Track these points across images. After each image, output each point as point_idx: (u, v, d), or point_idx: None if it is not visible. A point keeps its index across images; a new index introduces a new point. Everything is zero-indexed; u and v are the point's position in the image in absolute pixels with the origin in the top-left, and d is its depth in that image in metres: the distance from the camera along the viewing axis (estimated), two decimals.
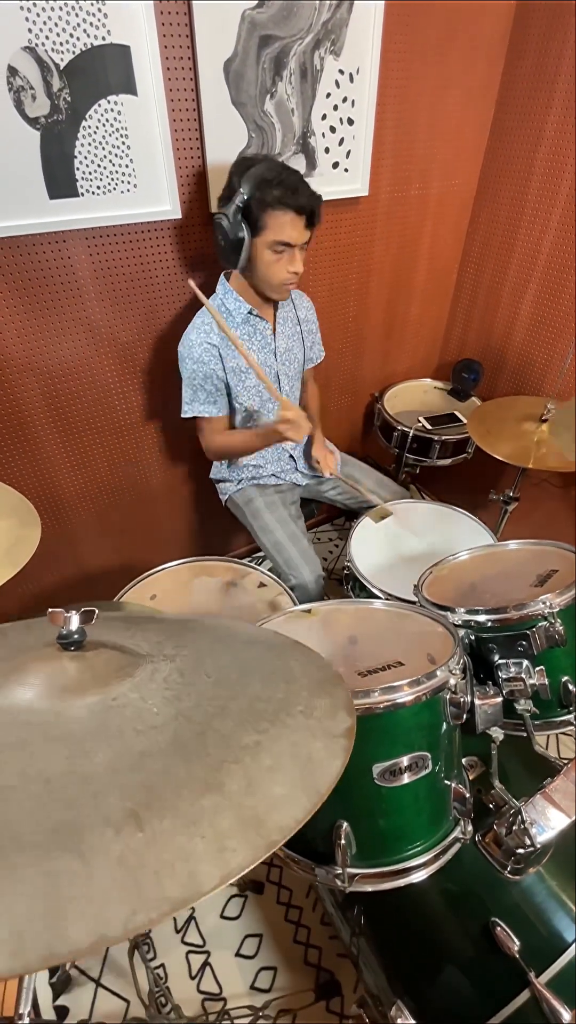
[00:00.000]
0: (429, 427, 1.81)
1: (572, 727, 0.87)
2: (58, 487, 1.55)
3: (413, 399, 2.03)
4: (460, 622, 0.88)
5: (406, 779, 0.66)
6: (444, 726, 0.71)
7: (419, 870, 0.69)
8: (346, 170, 1.45)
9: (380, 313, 1.84)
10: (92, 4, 0.99)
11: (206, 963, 1.25)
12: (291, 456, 1.57)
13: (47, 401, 1.39)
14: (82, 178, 1.14)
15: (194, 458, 1.72)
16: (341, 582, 1.46)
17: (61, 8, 0.97)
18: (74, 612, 0.50)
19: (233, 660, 0.57)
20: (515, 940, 0.77)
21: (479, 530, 1.40)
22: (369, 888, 0.67)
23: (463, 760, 0.96)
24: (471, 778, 0.96)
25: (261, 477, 1.55)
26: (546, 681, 0.81)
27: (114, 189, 1.18)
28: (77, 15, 0.99)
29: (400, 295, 1.84)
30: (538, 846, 0.70)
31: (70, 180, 1.13)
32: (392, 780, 0.66)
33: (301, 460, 1.59)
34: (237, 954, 1.26)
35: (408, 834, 0.69)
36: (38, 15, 0.96)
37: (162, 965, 1.24)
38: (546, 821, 0.72)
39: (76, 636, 0.50)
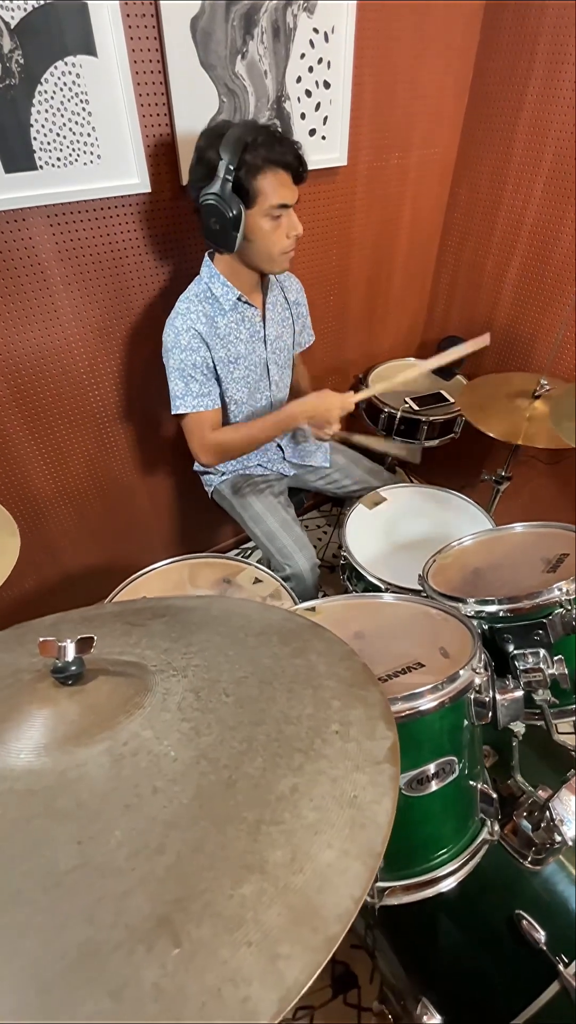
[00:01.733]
0: (416, 408, 1.76)
1: None
2: (33, 487, 1.47)
3: (396, 379, 1.98)
4: (472, 613, 0.85)
5: (434, 786, 0.63)
6: (470, 727, 0.67)
7: (448, 878, 0.66)
8: (323, 138, 1.36)
9: (362, 290, 1.78)
10: None
11: None
12: (279, 446, 1.51)
13: (14, 395, 1.30)
14: (40, 149, 1.04)
15: (175, 450, 1.64)
16: (332, 569, 1.42)
17: None
18: (69, 642, 0.44)
19: (252, 665, 0.52)
20: (540, 931, 0.76)
21: (474, 512, 1.37)
22: (398, 901, 0.64)
23: None
24: (489, 765, 0.94)
25: (247, 468, 1.49)
26: (565, 670, 0.79)
27: (76, 161, 1.08)
28: None
29: (382, 270, 1.78)
30: (570, 843, 0.68)
31: (27, 151, 1.03)
32: (419, 789, 0.63)
33: (288, 450, 1.54)
34: None
35: (436, 841, 0.67)
36: None
37: None
38: (572, 815, 0.70)
39: (74, 668, 0.44)
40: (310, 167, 1.36)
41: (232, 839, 0.32)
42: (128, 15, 1.01)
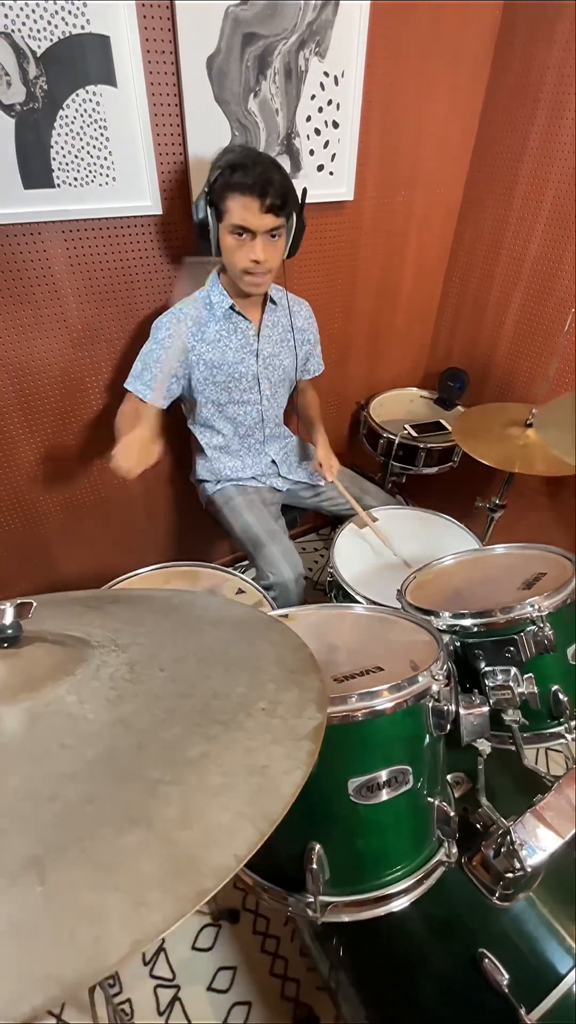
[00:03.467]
0: (415, 434, 1.78)
1: (563, 740, 0.82)
2: (31, 488, 1.49)
3: (399, 408, 2.01)
4: (444, 627, 0.83)
5: (384, 796, 0.61)
6: (427, 738, 0.65)
7: (400, 897, 0.63)
8: (331, 173, 1.43)
9: (366, 321, 1.83)
10: None
11: (176, 998, 1.16)
12: (273, 461, 1.53)
13: (19, 399, 1.34)
14: (58, 168, 1.11)
15: (176, 460, 1.67)
16: (326, 592, 1.41)
17: None
18: (8, 604, 0.44)
19: (197, 646, 0.51)
20: (504, 973, 0.71)
21: (465, 537, 1.36)
22: (345, 918, 0.61)
23: (448, 777, 0.91)
24: (457, 796, 0.91)
25: (241, 480, 1.50)
26: (535, 689, 0.76)
27: (92, 181, 1.15)
28: (55, 2, 0.97)
29: (386, 303, 1.83)
30: (528, 869, 0.64)
31: (46, 170, 1.10)
32: (369, 797, 0.60)
33: (284, 466, 1.55)
34: (209, 988, 1.17)
35: (387, 857, 0.63)
36: (15, 1, 0.93)
37: (128, 1000, 1.15)
38: (536, 842, 0.67)
39: (10, 631, 0.44)
40: (318, 200, 1.44)
41: (126, 794, 0.31)
42: (148, 51, 1.09)
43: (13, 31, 0.96)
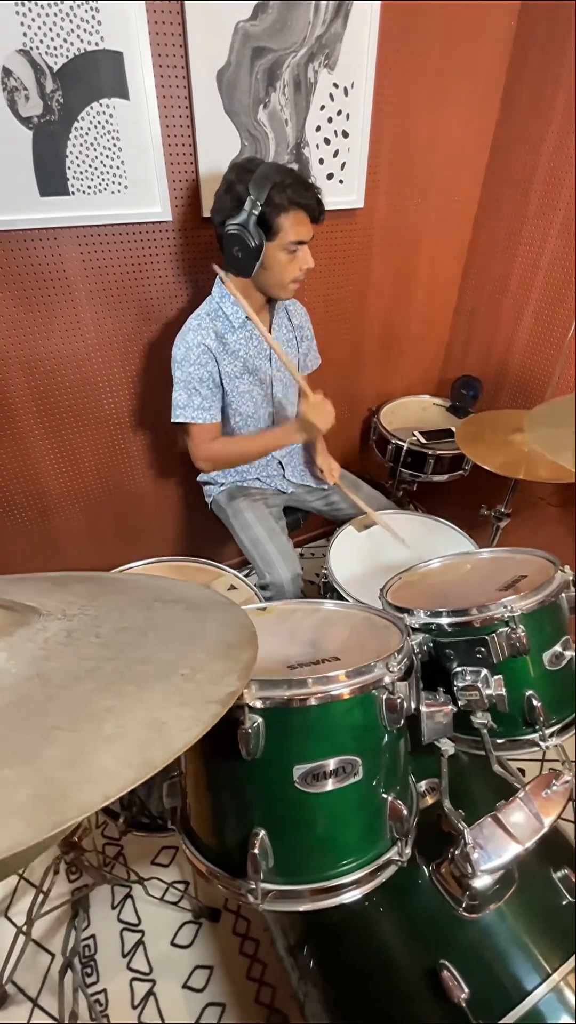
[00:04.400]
0: (424, 441, 1.77)
1: (537, 749, 0.79)
2: (44, 484, 1.55)
3: (411, 415, 2.00)
4: (418, 625, 0.82)
5: (330, 785, 0.60)
6: (381, 731, 0.64)
7: (345, 892, 0.62)
8: (341, 181, 1.46)
9: (378, 326, 1.83)
10: (86, 11, 1.03)
11: (151, 992, 1.16)
12: (279, 463, 1.55)
13: (34, 397, 1.40)
14: (73, 177, 1.17)
15: (185, 461, 1.70)
16: (322, 593, 1.41)
17: (56, 13, 1.01)
18: None
19: (142, 620, 0.53)
20: (464, 987, 0.69)
21: (465, 543, 1.34)
22: (286, 908, 0.60)
23: (423, 783, 0.89)
24: (431, 802, 0.89)
25: (245, 480, 1.52)
26: (504, 692, 0.74)
27: (104, 189, 1.21)
28: (71, 21, 1.03)
29: (399, 309, 1.83)
30: (479, 874, 0.62)
31: (61, 178, 1.16)
32: (315, 785, 0.60)
33: (289, 468, 1.57)
34: (185, 986, 1.17)
35: (334, 850, 0.63)
36: (33, 19, 1.00)
37: (104, 990, 1.16)
38: (494, 848, 0.65)
39: None
40: (327, 207, 1.46)
41: (17, 735, 0.33)
42: (160, 65, 1.14)
43: (31, 48, 1.02)
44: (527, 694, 0.78)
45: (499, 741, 0.81)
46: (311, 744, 0.60)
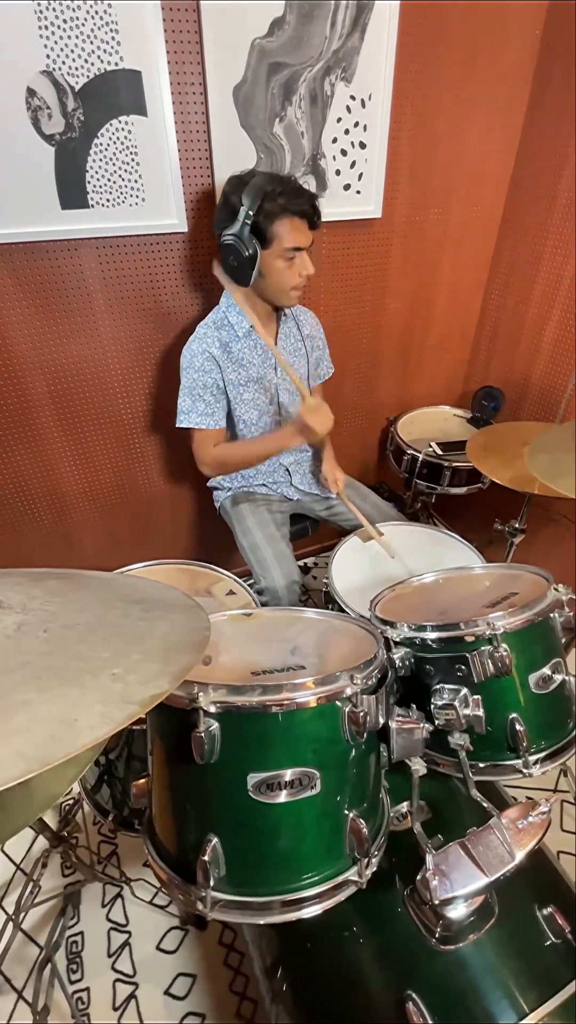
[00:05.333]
0: (439, 452, 1.73)
1: (519, 775, 0.75)
2: (61, 483, 1.61)
3: (431, 426, 1.97)
4: (400, 639, 0.80)
5: (283, 797, 0.59)
6: (343, 745, 0.63)
7: (300, 908, 0.60)
8: (358, 192, 1.46)
9: (396, 336, 1.82)
10: (107, 33, 1.08)
11: (132, 995, 1.16)
12: (287, 469, 1.55)
13: (53, 400, 1.46)
14: (92, 191, 1.22)
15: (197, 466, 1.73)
16: (324, 603, 1.39)
17: (77, 36, 1.06)
18: None
19: (95, 618, 0.54)
20: (429, 1020, 0.66)
21: (471, 558, 1.30)
22: (235, 919, 0.59)
23: (403, 804, 0.86)
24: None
25: (251, 486, 1.53)
26: (481, 713, 0.71)
27: (123, 202, 1.25)
28: (92, 42, 1.08)
29: (418, 318, 1.81)
30: (436, 902, 0.59)
31: (81, 192, 1.21)
32: (268, 795, 0.59)
33: (297, 475, 1.56)
34: (167, 992, 1.16)
35: (288, 863, 0.61)
36: (56, 42, 1.05)
37: (87, 989, 1.17)
38: (458, 876, 0.62)
39: None
40: (344, 217, 1.47)
41: None
42: (177, 83, 1.18)
43: (54, 69, 1.07)
44: (510, 717, 0.75)
45: (481, 765, 0.77)
46: (267, 753, 0.59)
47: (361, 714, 0.61)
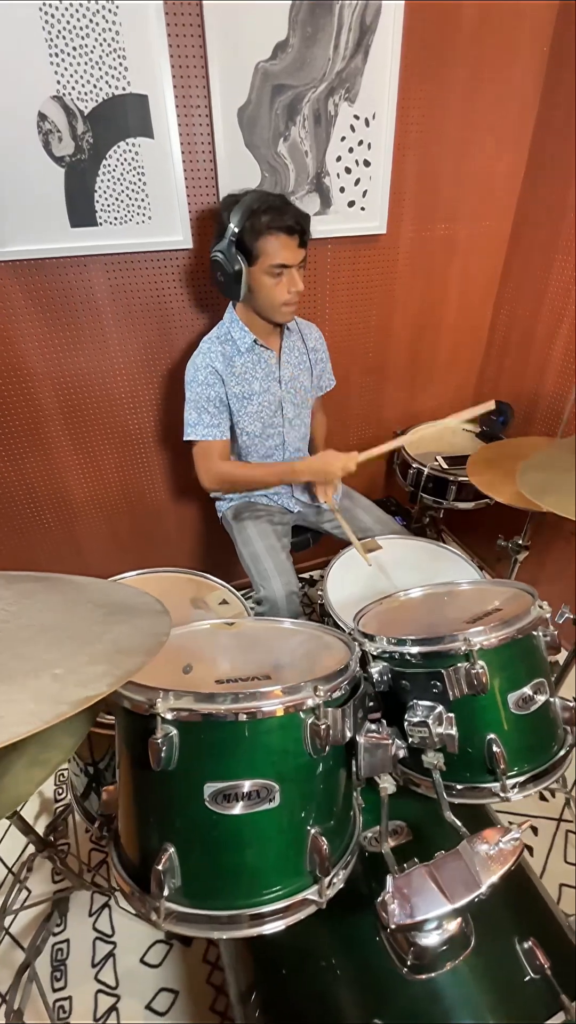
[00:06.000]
0: (445, 466, 1.71)
1: (498, 799, 0.72)
2: (69, 492, 1.64)
3: (440, 440, 1.95)
4: (377, 653, 0.79)
5: (239, 809, 0.58)
6: (305, 758, 0.62)
7: (252, 925, 0.59)
8: (363, 209, 1.47)
9: (404, 350, 1.81)
10: (115, 59, 1.12)
11: (113, 1007, 1.14)
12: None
13: (62, 410, 1.50)
14: (101, 209, 1.26)
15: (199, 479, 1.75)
16: (319, 615, 1.38)
17: (87, 63, 1.11)
18: None
19: (54, 620, 0.55)
20: None
21: (470, 573, 1.27)
22: (188, 932, 0.58)
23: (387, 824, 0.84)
24: (393, 845, 0.83)
25: (253, 496, 1.54)
26: (453, 732, 0.69)
27: (130, 220, 1.29)
28: (100, 68, 1.12)
29: (426, 334, 1.81)
30: (392, 928, 0.57)
31: (90, 211, 1.25)
32: (225, 806, 0.58)
33: (298, 487, 1.57)
34: (148, 1007, 1.15)
35: (245, 878, 0.60)
36: (66, 69, 1.10)
37: (69, 997, 1.16)
38: (419, 901, 0.59)
39: None
40: (349, 233, 1.49)
41: None
42: (183, 106, 1.22)
43: (64, 95, 1.12)
44: (488, 738, 0.72)
45: (459, 787, 0.75)
46: (225, 763, 0.59)
47: (323, 727, 0.60)
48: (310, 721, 0.61)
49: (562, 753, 0.76)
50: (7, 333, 1.34)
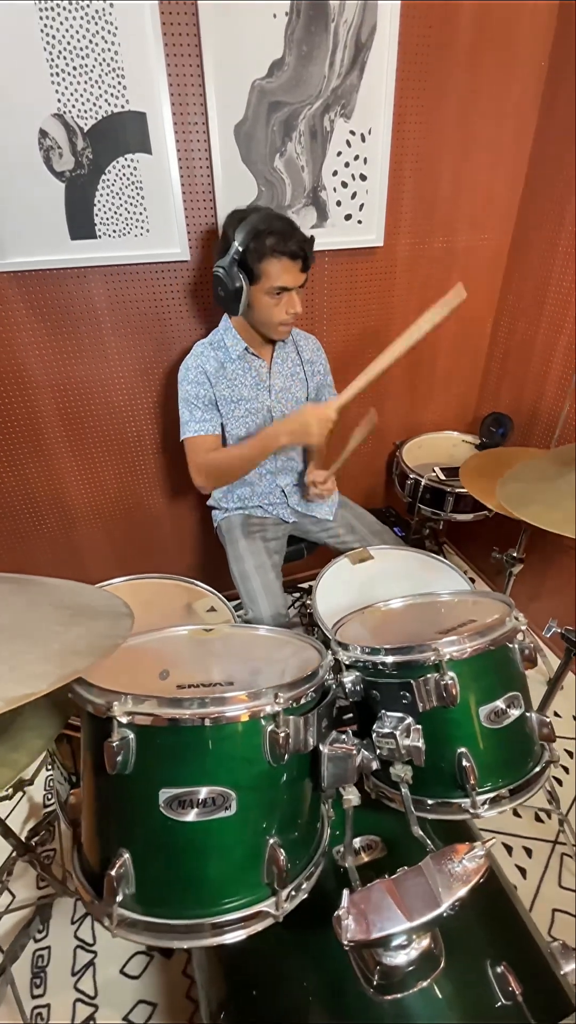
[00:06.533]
0: (442, 477, 1.70)
1: (468, 816, 0.71)
2: (68, 498, 1.67)
3: (440, 451, 1.94)
4: (349, 662, 0.78)
5: (192, 816, 0.58)
6: (264, 766, 0.61)
7: (205, 935, 0.58)
8: (359, 222, 1.49)
9: (402, 363, 1.78)
10: (113, 78, 1.16)
11: (91, 1017, 1.13)
12: (282, 491, 1.55)
13: (61, 417, 1.53)
14: (100, 223, 1.29)
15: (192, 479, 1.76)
16: (308, 625, 1.37)
17: (86, 81, 1.14)
18: None
19: (14, 620, 0.55)
20: None
21: (461, 584, 1.26)
22: (140, 940, 0.58)
23: (357, 839, 0.83)
24: (367, 860, 0.82)
25: (248, 507, 1.54)
26: (420, 744, 0.67)
27: (128, 232, 1.32)
28: (100, 87, 1.16)
29: (425, 345, 1.79)
30: (346, 945, 0.56)
31: (89, 224, 1.29)
32: (179, 812, 0.58)
33: (294, 497, 1.57)
34: (125, 1018, 1.13)
35: (199, 888, 0.59)
36: (67, 87, 1.14)
37: (48, 1005, 1.15)
38: (377, 918, 0.58)
39: None
40: (345, 246, 1.50)
41: None
42: (180, 123, 1.25)
43: (64, 112, 1.16)
44: (459, 751, 0.71)
45: (430, 802, 0.74)
46: (181, 768, 0.59)
47: (283, 735, 0.59)
48: (269, 728, 0.60)
49: (537, 770, 0.74)
50: (8, 341, 1.37)
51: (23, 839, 1.10)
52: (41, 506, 1.65)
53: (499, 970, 0.71)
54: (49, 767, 1.56)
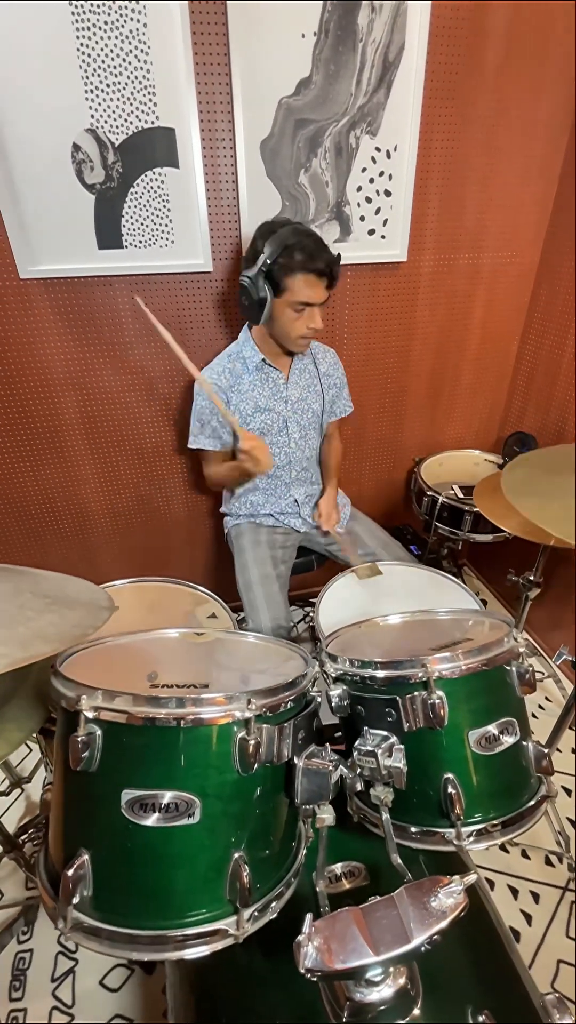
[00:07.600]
0: (461, 496, 1.66)
1: (451, 847, 0.66)
2: (85, 501, 1.70)
3: (461, 470, 1.90)
4: (336, 674, 0.75)
5: (152, 820, 0.56)
6: (232, 775, 0.59)
7: (160, 949, 0.56)
8: (383, 237, 1.49)
9: (424, 378, 1.79)
10: (145, 95, 1.20)
11: None
12: (296, 501, 1.54)
13: (83, 421, 1.56)
14: (127, 233, 1.33)
15: (216, 493, 1.77)
16: (312, 638, 1.35)
17: (119, 98, 1.19)
18: None
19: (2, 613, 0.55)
20: None
21: (470, 604, 1.21)
22: (93, 947, 0.55)
23: (339, 864, 0.79)
24: (348, 887, 0.78)
25: (258, 516, 1.54)
26: (401, 766, 0.64)
27: (154, 243, 1.36)
28: (131, 103, 1.20)
29: (448, 363, 1.78)
30: (303, 971, 0.52)
31: (116, 235, 1.33)
32: (141, 816, 0.56)
33: (306, 507, 1.55)
34: None
35: (157, 897, 0.57)
36: (100, 103, 1.19)
37: (24, 1010, 1.13)
38: (339, 948, 0.54)
39: None
40: (368, 260, 1.51)
41: None
42: (208, 138, 1.28)
43: (97, 128, 1.21)
44: (445, 777, 0.67)
45: (413, 829, 0.69)
46: (146, 769, 0.57)
47: (253, 743, 0.57)
48: (240, 735, 0.58)
49: (532, 803, 0.69)
50: (35, 345, 1.42)
51: (13, 836, 1.10)
52: (58, 507, 1.68)
53: (481, 1019, 0.66)
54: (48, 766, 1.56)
